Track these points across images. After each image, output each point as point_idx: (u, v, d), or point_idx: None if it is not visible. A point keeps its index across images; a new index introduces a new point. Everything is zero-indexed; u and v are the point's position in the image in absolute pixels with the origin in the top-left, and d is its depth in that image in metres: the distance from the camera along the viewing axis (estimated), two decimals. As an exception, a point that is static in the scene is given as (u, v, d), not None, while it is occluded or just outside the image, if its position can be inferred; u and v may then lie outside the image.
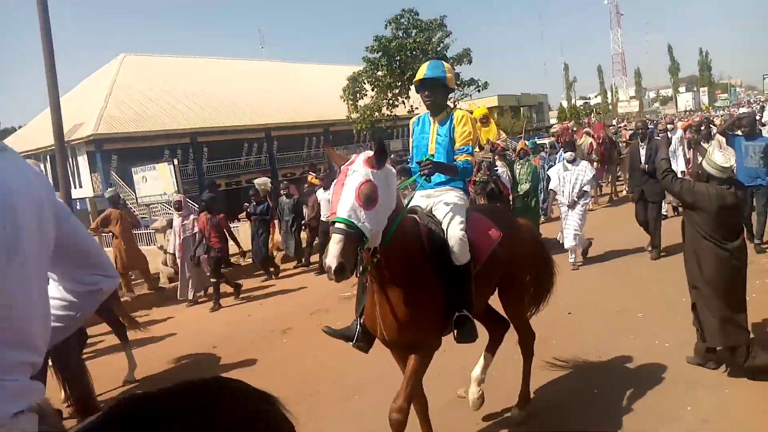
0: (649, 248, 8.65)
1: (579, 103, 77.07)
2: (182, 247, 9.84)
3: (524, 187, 9.85)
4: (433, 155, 3.72)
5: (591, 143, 14.28)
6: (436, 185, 3.78)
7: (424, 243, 3.42)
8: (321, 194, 10.99)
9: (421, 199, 3.78)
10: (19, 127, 39.16)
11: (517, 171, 10.04)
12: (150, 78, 30.50)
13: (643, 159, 8.52)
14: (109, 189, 12.72)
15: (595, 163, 14.17)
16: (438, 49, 27.40)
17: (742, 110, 27.18)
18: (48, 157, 26.36)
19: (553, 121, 44.87)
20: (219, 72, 34.85)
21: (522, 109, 53.79)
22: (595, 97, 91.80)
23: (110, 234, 10.47)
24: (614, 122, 39.61)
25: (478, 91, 30.11)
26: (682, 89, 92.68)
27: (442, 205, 3.65)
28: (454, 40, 28.91)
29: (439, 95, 3.80)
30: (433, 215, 3.63)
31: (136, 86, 29.04)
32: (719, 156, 4.49)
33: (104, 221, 10.21)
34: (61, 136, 11.87)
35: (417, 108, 29.12)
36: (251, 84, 34.02)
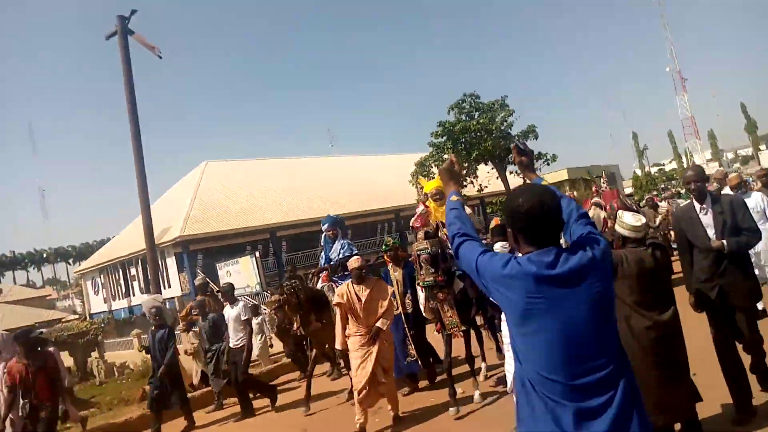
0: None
1: (653, 170, 75.00)
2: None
3: None
4: None
5: (603, 218, 11.85)
6: None
7: None
8: (228, 311, 8.53)
9: None
10: (113, 236, 42.18)
11: None
12: (230, 180, 32.55)
13: (711, 232, 4.61)
14: (198, 277, 13.02)
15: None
16: (502, 127, 27.69)
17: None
18: (139, 260, 28.06)
19: (628, 190, 43.63)
20: (293, 170, 36.74)
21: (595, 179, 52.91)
22: (669, 162, 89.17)
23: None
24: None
25: (548, 164, 29.97)
26: (763, 147, 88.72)
27: None
28: (518, 118, 29.19)
29: None
30: None
31: (218, 189, 30.96)
32: (629, 216, 4.29)
33: (200, 306, 9.29)
34: (152, 239, 12.75)
35: (486, 186, 29.28)
36: (324, 179, 35.52)
